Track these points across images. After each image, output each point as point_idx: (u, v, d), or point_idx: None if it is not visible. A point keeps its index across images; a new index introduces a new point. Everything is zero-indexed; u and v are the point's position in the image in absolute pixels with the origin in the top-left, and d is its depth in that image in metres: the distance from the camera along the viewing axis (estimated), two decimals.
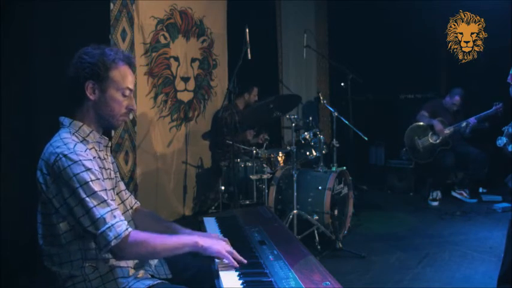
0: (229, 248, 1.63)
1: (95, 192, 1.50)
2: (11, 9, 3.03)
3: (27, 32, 3.16)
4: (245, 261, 1.60)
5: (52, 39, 3.27)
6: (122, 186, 1.91)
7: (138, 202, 1.98)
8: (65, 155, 1.51)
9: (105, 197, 1.52)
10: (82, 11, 3.40)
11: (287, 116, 4.01)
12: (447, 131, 5.23)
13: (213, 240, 1.63)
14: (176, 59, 4.66)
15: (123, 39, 4.02)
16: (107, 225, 1.48)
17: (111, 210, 1.51)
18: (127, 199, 1.91)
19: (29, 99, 3.20)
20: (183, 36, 4.73)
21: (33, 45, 3.21)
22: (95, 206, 1.49)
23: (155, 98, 4.45)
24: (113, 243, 1.47)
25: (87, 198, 1.48)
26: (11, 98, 3.05)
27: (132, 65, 1.71)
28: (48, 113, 3.15)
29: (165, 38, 4.52)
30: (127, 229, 1.51)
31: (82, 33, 3.26)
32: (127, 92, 1.67)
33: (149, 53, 4.34)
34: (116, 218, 1.51)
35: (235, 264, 1.59)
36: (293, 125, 3.84)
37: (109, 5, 3.86)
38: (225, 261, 1.61)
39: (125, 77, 1.66)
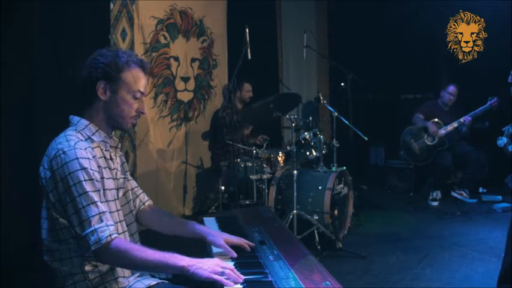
0: (221, 268, 1.49)
1: (86, 192, 1.50)
2: (11, 9, 3.02)
3: (27, 32, 3.16)
4: (241, 280, 1.48)
5: (52, 39, 3.26)
6: (132, 184, 1.90)
7: (150, 200, 1.97)
8: (64, 152, 1.53)
9: (96, 199, 1.51)
10: (82, 11, 3.39)
11: (287, 116, 4.00)
12: (442, 132, 5.22)
13: (204, 264, 1.50)
14: (176, 59, 4.66)
15: (123, 39, 4.02)
16: (90, 229, 1.47)
17: (100, 213, 1.50)
18: (137, 197, 1.91)
19: (29, 99, 3.19)
20: (183, 36, 4.73)
21: (33, 45, 3.21)
22: (83, 207, 1.49)
23: (155, 98, 4.45)
24: (93, 248, 1.47)
25: (78, 198, 1.49)
26: (11, 98, 3.04)
27: (145, 69, 1.70)
28: (48, 112, 3.15)
29: (165, 38, 4.52)
30: (110, 235, 1.48)
31: (82, 33, 3.24)
32: (138, 95, 1.68)
33: (149, 53, 4.34)
34: (102, 222, 1.49)
35: (224, 282, 1.46)
36: (293, 125, 3.84)
37: (109, 5, 3.86)
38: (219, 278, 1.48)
39: (137, 79, 1.66)
